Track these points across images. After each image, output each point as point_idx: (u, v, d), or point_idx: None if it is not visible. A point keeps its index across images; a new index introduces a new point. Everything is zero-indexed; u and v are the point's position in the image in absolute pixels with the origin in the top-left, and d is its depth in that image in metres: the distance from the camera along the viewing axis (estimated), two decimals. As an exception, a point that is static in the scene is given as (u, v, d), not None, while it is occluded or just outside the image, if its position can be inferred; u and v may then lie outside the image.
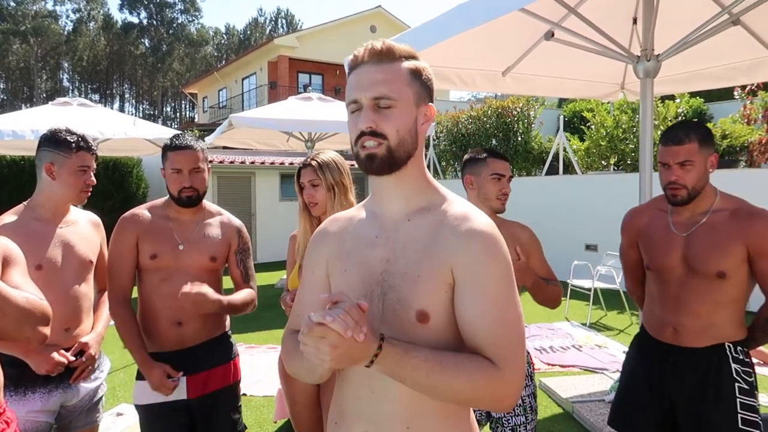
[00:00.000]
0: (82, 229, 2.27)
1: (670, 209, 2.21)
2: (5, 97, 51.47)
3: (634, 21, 3.71)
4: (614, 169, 10.48)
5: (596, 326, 6.64)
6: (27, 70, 51.78)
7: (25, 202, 2.18)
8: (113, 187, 11.24)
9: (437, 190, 1.24)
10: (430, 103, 1.21)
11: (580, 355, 5.43)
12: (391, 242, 1.20)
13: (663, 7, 3.15)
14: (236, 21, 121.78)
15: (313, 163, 2.36)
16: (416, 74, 1.17)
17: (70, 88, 55.16)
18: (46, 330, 1.57)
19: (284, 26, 58.69)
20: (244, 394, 4.42)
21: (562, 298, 2.49)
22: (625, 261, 2.47)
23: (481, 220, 1.16)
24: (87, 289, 2.23)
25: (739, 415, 2.03)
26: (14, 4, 50.00)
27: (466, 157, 2.43)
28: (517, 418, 2.26)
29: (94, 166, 2.25)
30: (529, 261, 2.32)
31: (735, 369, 2.07)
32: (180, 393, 2.21)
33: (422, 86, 1.19)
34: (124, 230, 2.24)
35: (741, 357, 2.10)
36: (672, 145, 2.08)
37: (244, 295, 2.32)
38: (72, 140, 2.15)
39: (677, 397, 2.14)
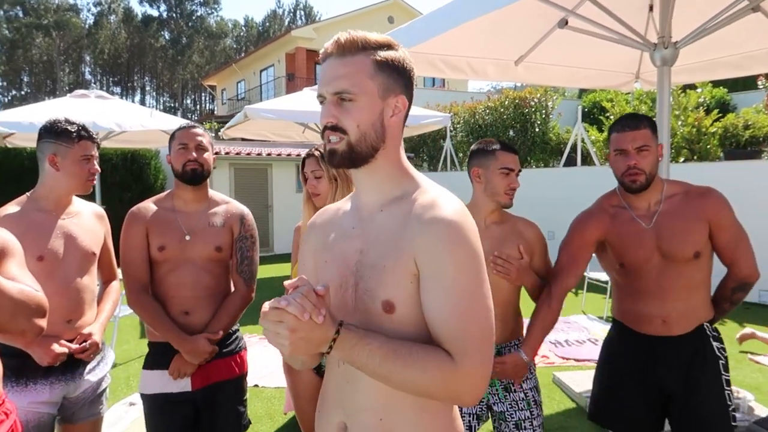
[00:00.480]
0: (86, 221, 2.28)
1: (628, 203, 2.20)
2: (29, 90, 52.27)
3: (650, 8, 3.61)
4: (634, 161, 10.30)
5: (613, 320, 6.52)
6: (50, 63, 52.52)
7: (28, 193, 2.19)
8: (132, 179, 11.37)
9: (412, 179, 1.22)
10: (401, 95, 1.17)
11: (596, 349, 5.35)
12: (365, 233, 1.20)
13: (681, -7, 3.06)
14: (255, 13, 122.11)
15: (316, 153, 2.34)
16: (382, 65, 1.14)
17: (92, 80, 55.88)
18: (42, 322, 1.56)
19: (302, 18, 58.65)
20: (256, 386, 4.45)
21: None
22: (565, 267, 2.24)
23: (447, 206, 1.11)
24: (89, 281, 2.23)
25: (725, 393, 2.10)
26: (36, -1, 50.74)
27: (473, 147, 2.34)
28: (521, 413, 2.22)
29: (97, 155, 2.26)
30: (531, 260, 2.25)
31: (715, 347, 2.14)
32: (184, 384, 2.22)
33: (390, 77, 1.15)
34: (134, 223, 2.26)
35: (717, 334, 2.19)
36: (629, 131, 2.10)
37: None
38: (73, 130, 2.16)
39: (670, 386, 2.14)
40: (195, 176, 2.25)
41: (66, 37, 51.47)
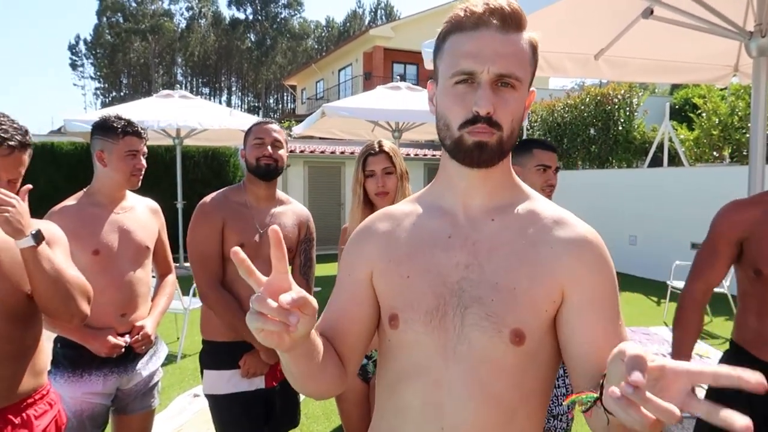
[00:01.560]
0: (140, 215, 2.30)
1: None
2: (127, 92, 55.69)
3: (750, -7, 3.27)
4: (728, 161, 9.57)
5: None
6: (146, 65, 55.79)
7: (85, 189, 2.24)
8: (212, 175, 11.79)
9: (521, 187, 1.08)
10: (533, 90, 1.03)
11: (679, 364, 4.98)
12: (470, 244, 1.00)
13: (784, -25, 2.74)
14: (336, 13, 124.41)
15: (386, 148, 2.28)
16: (534, 51, 0.98)
17: (183, 82, 58.76)
18: (87, 307, 1.64)
19: (383, 17, 59.06)
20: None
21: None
22: (705, 260, 2.00)
23: (585, 225, 1.02)
24: (143, 274, 2.26)
25: None
26: (135, 5, 53.99)
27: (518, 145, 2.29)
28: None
29: (145, 150, 2.26)
30: None
31: None
32: (258, 382, 2.22)
33: (535, 66, 0.99)
34: (209, 216, 2.20)
35: None
36: None
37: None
38: (118, 126, 2.18)
39: None
40: (269, 171, 2.21)
41: (160, 40, 54.50)
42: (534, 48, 0.98)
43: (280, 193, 2.39)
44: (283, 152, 2.25)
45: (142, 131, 2.24)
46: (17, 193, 1.50)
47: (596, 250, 0.98)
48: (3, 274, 1.51)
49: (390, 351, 1.05)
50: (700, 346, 5.60)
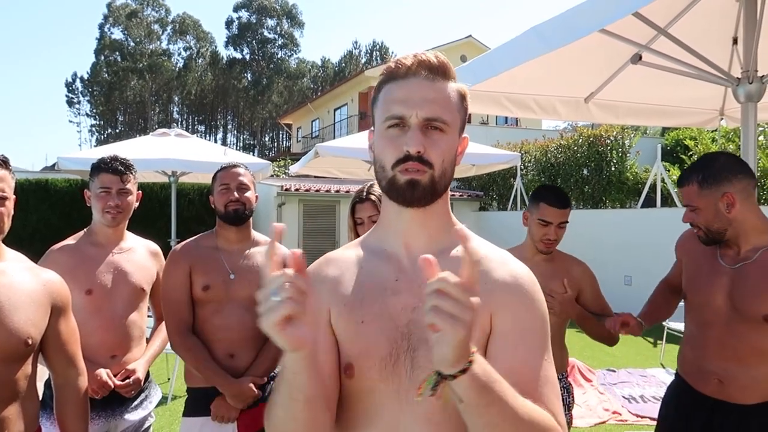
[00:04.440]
0: (138, 257, 2.30)
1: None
2: (123, 129, 56.08)
3: (735, 41, 3.37)
4: (720, 202, 9.66)
5: (696, 375, 6.00)
6: (142, 103, 56.32)
7: (86, 228, 2.24)
8: (206, 213, 11.79)
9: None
10: (465, 136, 1.10)
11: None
12: (416, 286, 0.99)
13: (768, 24, 2.83)
14: (332, 54, 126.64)
15: (372, 197, 2.29)
16: (463, 99, 1.06)
17: (179, 119, 59.30)
18: None
19: (378, 59, 60.19)
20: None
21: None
22: (664, 281, 2.41)
23: (519, 263, 1.08)
24: (138, 317, 2.24)
25: None
26: (133, 44, 54.82)
27: (534, 191, 2.47)
28: None
29: (124, 187, 2.22)
30: (580, 296, 2.36)
31: None
32: (229, 430, 2.16)
33: (464, 114, 1.06)
34: (178, 262, 2.23)
35: None
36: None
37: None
38: (95, 164, 2.21)
39: None
40: (238, 216, 2.22)
41: (158, 79, 55.19)
42: (462, 96, 1.06)
43: (256, 234, 2.39)
44: (250, 194, 2.26)
45: (121, 168, 2.21)
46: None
47: (527, 285, 1.03)
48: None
49: (345, 399, 1.04)
50: (665, 376, 5.62)
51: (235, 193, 2.22)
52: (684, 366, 2.08)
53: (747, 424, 1.80)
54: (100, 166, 2.20)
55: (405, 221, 1.07)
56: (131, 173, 2.25)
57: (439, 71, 1.03)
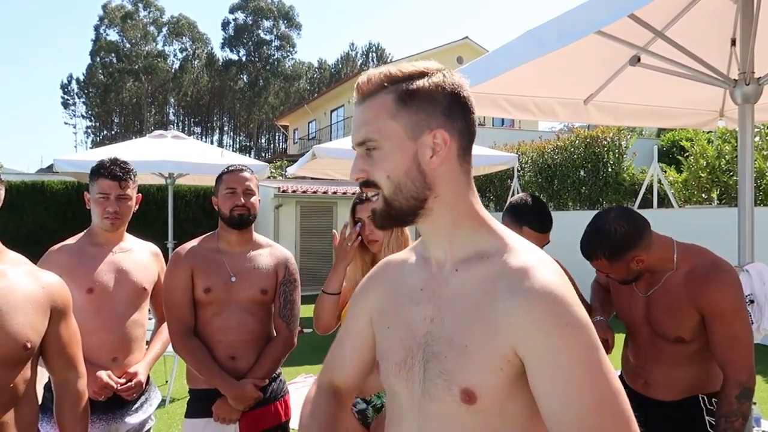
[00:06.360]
0: (138, 257, 2.29)
1: None
2: (118, 130, 55.97)
3: (733, 42, 3.38)
4: (717, 203, 9.70)
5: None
6: (138, 105, 56.27)
7: (86, 229, 2.24)
8: (203, 215, 11.78)
9: (494, 234, 0.99)
10: (438, 129, 0.96)
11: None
12: (436, 297, 0.99)
13: (765, 26, 2.84)
14: (329, 55, 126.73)
15: None
16: (406, 100, 0.95)
17: (175, 121, 59.22)
18: None
19: (375, 60, 60.18)
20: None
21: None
22: (596, 281, 2.53)
23: (545, 275, 0.90)
24: (139, 317, 2.23)
25: None
26: (129, 46, 54.75)
27: (512, 201, 2.48)
28: None
29: (123, 193, 2.21)
30: None
31: (709, 422, 1.94)
32: (232, 431, 2.16)
33: (420, 111, 0.95)
34: (180, 264, 2.23)
35: (713, 408, 1.93)
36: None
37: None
38: (95, 169, 2.20)
39: None
40: (242, 221, 2.22)
41: (154, 80, 55.13)
42: (403, 96, 0.95)
43: (258, 237, 2.39)
44: (255, 199, 2.26)
45: (120, 174, 2.20)
46: None
47: (550, 304, 0.87)
48: None
49: (386, 391, 1.13)
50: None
51: (242, 198, 2.21)
52: (624, 365, 2.28)
53: (668, 415, 2.03)
54: (100, 171, 2.19)
55: (422, 231, 1.06)
56: (130, 178, 2.24)
57: (365, 91, 0.98)
